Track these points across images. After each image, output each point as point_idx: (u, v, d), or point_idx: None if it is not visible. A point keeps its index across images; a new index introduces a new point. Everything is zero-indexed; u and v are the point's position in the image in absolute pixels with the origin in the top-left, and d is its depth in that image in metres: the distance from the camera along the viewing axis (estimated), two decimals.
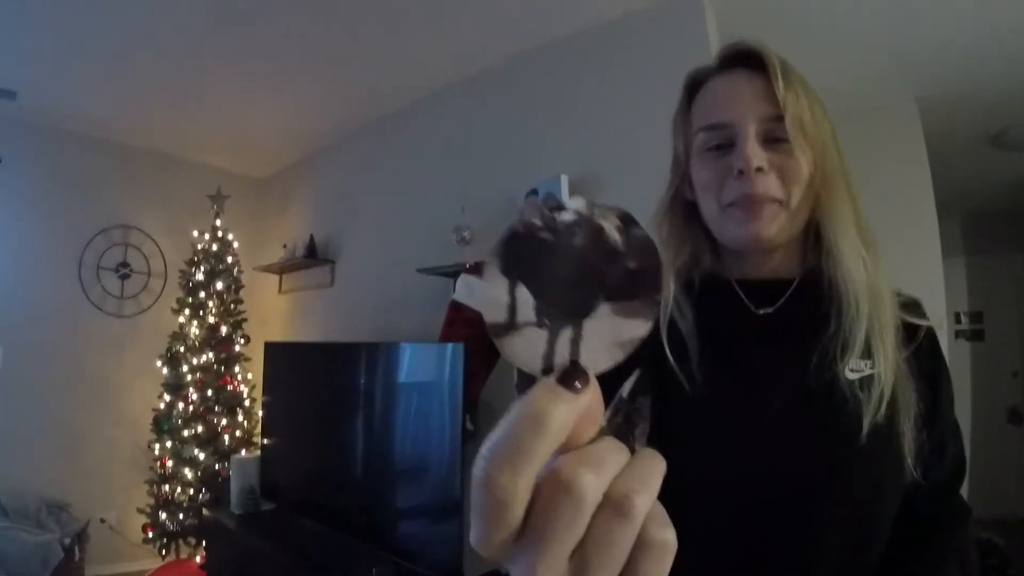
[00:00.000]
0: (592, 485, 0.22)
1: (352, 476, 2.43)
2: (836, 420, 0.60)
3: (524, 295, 0.26)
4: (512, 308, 0.27)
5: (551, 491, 0.22)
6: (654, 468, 0.25)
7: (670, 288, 0.69)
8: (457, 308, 2.25)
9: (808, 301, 0.66)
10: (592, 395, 0.24)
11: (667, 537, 0.24)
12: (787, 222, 0.65)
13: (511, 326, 0.26)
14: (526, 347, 0.26)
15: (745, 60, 0.67)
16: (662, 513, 0.25)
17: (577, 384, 0.24)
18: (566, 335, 0.26)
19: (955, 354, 4.56)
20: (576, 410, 0.23)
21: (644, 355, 0.31)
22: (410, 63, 2.71)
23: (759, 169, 0.62)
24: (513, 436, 0.22)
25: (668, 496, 0.40)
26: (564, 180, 2.21)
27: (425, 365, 2.24)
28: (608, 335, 0.25)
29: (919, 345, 0.67)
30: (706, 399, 0.63)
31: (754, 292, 0.69)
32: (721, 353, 0.66)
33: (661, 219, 0.74)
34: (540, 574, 0.22)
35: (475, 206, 2.52)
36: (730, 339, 0.67)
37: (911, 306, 0.69)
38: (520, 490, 0.22)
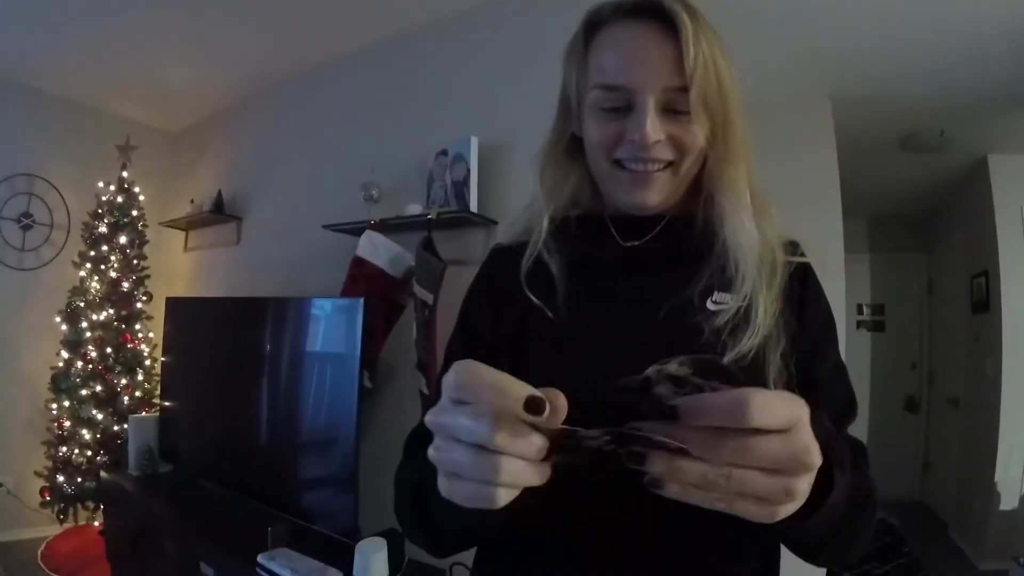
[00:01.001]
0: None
1: (250, 433, 2.38)
2: (693, 350, 0.59)
3: None
4: None
5: None
6: None
7: (543, 228, 0.69)
8: (359, 264, 2.20)
9: (679, 237, 0.67)
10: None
11: None
12: (675, 187, 0.65)
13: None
14: None
15: (656, 12, 0.61)
16: None
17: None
18: None
19: (857, 344, 4.83)
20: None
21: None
22: (327, 22, 2.64)
23: (655, 142, 0.61)
24: None
25: None
26: (474, 142, 2.19)
27: (325, 320, 2.19)
28: None
29: (790, 281, 0.66)
30: (566, 327, 0.64)
31: (626, 226, 0.69)
32: (586, 284, 0.66)
33: (545, 160, 0.73)
34: None
35: (385, 166, 2.48)
36: (596, 271, 0.68)
37: (787, 246, 0.68)
38: None
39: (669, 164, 0.63)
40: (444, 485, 0.41)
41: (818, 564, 0.59)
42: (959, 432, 4.04)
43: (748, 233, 0.63)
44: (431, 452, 0.41)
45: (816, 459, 0.38)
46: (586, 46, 0.66)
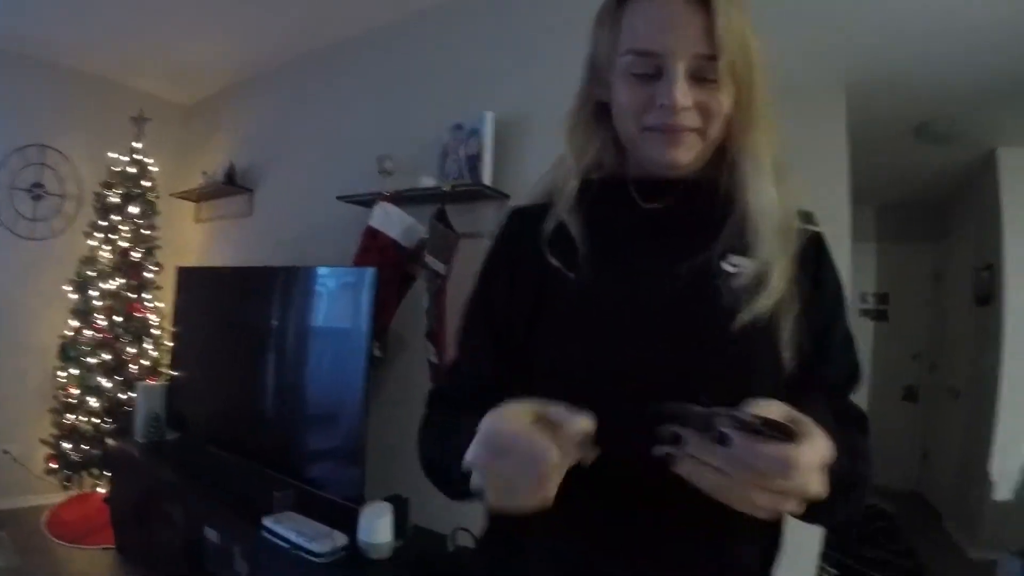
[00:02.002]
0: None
1: (259, 401, 2.41)
2: (711, 310, 0.62)
3: None
4: None
5: None
6: None
7: (572, 188, 0.70)
8: (373, 235, 2.22)
9: (699, 201, 0.68)
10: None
11: None
12: (703, 149, 0.66)
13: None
14: None
15: None
16: None
17: None
18: None
19: (859, 332, 4.76)
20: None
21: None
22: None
23: (684, 108, 0.63)
24: None
25: (553, 380, 0.55)
26: (489, 117, 2.20)
27: (337, 289, 2.21)
28: None
29: (803, 248, 0.68)
30: (587, 289, 0.66)
31: (647, 188, 0.70)
32: (606, 246, 0.68)
33: (573, 123, 0.74)
34: None
35: (399, 139, 2.50)
36: (616, 233, 0.69)
37: (801, 215, 0.70)
38: None
39: (696, 130, 0.65)
40: (496, 500, 0.52)
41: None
42: (958, 423, 4.05)
43: (768, 198, 0.65)
44: (475, 480, 0.52)
45: (816, 491, 0.47)
46: (618, 12, 0.67)
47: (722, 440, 0.44)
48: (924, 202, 4.85)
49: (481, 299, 0.76)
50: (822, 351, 0.67)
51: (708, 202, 0.67)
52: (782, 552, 0.69)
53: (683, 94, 0.61)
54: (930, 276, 4.99)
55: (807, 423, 0.49)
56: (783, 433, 0.44)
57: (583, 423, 0.49)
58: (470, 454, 0.52)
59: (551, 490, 0.50)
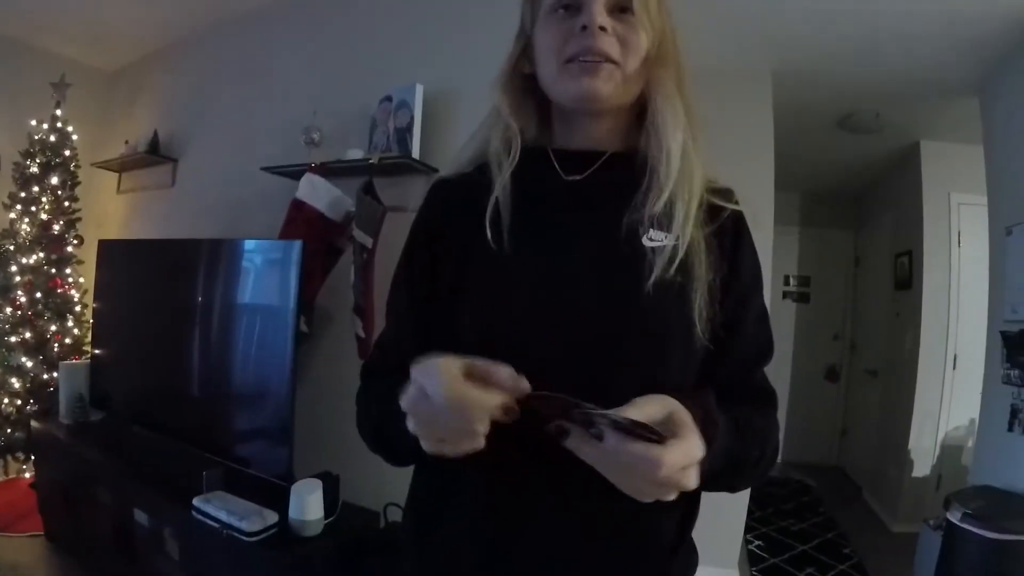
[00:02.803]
0: None
1: (185, 379, 2.36)
2: (627, 279, 0.64)
3: None
4: None
5: None
6: None
7: (515, 152, 0.72)
8: (299, 207, 2.18)
9: (618, 172, 0.70)
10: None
11: None
12: (621, 84, 0.68)
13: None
14: None
15: None
16: None
17: None
18: None
19: (782, 313, 5.03)
20: None
21: None
22: None
23: (602, 28, 0.65)
24: None
25: (476, 349, 0.54)
26: (419, 89, 2.19)
27: (262, 264, 2.17)
28: None
29: (722, 225, 0.70)
30: (509, 257, 0.67)
31: (569, 161, 0.72)
32: (528, 216, 0.69)
33: (502, 92, 0.75)
34: None
35: (327, 110, 2.44)
36: (538, 203, 0.70)
37: (723, 192, 0.73)
38: None
39: (614, 62, 0.67)
40: (431, 447, 0.55)
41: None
42: (877, 402, 4.28)
43: (687, 174, 0.67)
44: (411, 426, 0.55)
45: (688, 485, 0.51)
46: None
47: (599, 437, 0.48)
48: (847, 190, 5.05)
49: (405, 271, 0.77)
50: (736, 325, 0.69)
51: (627, 173, 0.69)
52: (696, 516, 0.73)
53: (600, 14, 0.65)
54: (851, 261, 5.22)
55: (683, 425, 0.52)
56: (654, 435, 0.48)
57: (509, 371, 0.52)
58: (405, 401, 0.54)
59: (478, 437, 0.53)
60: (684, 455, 0.50)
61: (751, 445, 0.66)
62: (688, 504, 0.71)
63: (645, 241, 0.66)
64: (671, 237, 0.65)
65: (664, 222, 0.66)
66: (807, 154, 4.03)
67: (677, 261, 0.64)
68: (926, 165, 3.70)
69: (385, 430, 0.68)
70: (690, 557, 0.74)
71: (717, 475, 0.59)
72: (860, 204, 5.12)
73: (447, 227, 0.73)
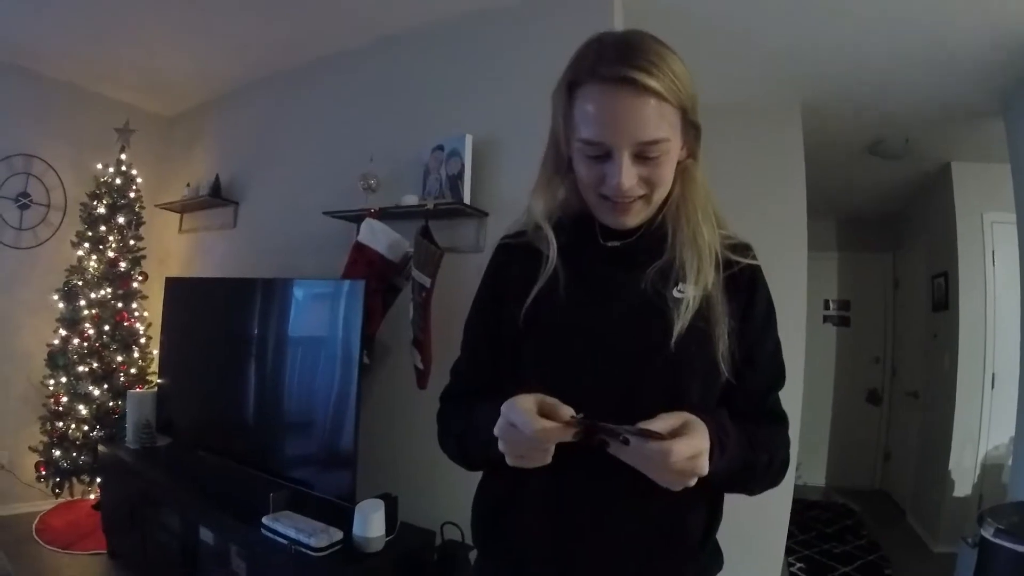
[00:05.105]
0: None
1: (251, 405, 2.48)
2: (658, 326, 0.78)
3: None
4: None
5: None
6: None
7: (551, 253, 0.85)
8: (360, 249, 2.32)
9: (649, 239, 0.84)
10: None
11: None
12: (649, 211, 0.82)
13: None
14: None
15: (629, 82, 0.70)
16: None
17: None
18: None
19: (822, 337, 5.03)
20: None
21: None
22: (327, 17, 2.72)
23: (629, 187, 0.77)
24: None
25: (535, 375, 0.78)
26: (468, 139, 2.32)
27: (327, 301, 2.31)
28: None
29: (735, 275, 0.83)
30: (566, 301, 0.82)
31: (609, 230, 0.85)
32: (578, 270, 0.84)
33: (550, 176, 0.88)
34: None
35: (382, 158, 2.59)
36: (584, 261, 0.85)
37: (739, 247, 0.86)
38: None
39: (642, 197, 0.80)
40: (512, 461, 0.71)
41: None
42: (918, 424, 4.24)
43: (704, 238, 0.81)
44: (500, 447, 0.71)
45: (702, 471, 0.66)
46: (569, 100, 0.78)
47: (625, 442, 0.64)
48: (882, 214, 5.05)
49: (478, 315, 0.94)
50: (753, 360, 0.83)
51: (658, 240, 0.83)
52: (720, 519, 0.86)
53: (628, 177, 0.75)
54: (889, 283, 5.18)
55: (691, 426, 0.67)
56: (663, 437, 0.64)
57: (569, 410, 0.68)
58: (497, 430, 0.70)
59: (549, 454, 0.70)
60: (689, 447, 0.64)
61: (760, 450, 0.79)
62: (711, 506, 0.84)
63: (675, 294, 0.79)
64: (696, 289, 0.78)
65: (688, 278, 0.79)
66: (840, 181, 4.08)
67: (699, 310, 0.78)
68: (958, 186, 3.72)
69: (465, 443, 0.87)
70: (716, 555, 0.87)
71: (732, 474, 0.75)
72: (897, 226, 5.11)
73: (510, 283, 0.88)
